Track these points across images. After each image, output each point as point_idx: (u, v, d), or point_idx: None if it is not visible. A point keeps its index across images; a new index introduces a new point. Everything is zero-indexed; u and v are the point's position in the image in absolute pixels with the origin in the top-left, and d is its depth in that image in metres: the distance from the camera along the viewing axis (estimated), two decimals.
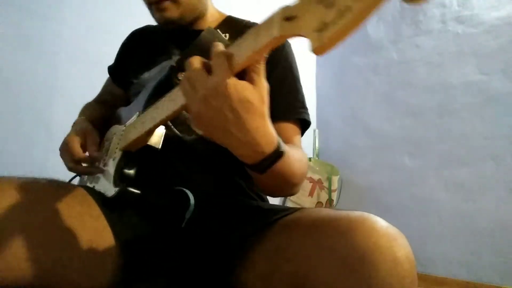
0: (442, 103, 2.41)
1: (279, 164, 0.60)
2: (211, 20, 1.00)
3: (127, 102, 1.06)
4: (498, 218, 2.15)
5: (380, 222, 0.55)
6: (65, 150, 0.87)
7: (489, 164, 2.22)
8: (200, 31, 0.89)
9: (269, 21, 0.48)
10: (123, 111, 0.98)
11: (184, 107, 0.59)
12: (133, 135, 0.75)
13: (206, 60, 0.53)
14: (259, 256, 0.66)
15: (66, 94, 1.68)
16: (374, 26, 2.89)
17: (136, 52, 1.05)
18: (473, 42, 2.36)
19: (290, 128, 0.88)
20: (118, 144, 0.81)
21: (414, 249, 0.55)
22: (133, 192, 0.72)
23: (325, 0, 0.39)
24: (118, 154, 0.78)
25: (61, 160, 0.99)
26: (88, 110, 1.08)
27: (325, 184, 2.76)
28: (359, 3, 0.36)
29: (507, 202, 2.14)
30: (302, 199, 2.74)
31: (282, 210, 0.72)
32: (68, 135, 0.90)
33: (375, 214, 0.58)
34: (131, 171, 0.76)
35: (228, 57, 0.50)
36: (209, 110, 0.52)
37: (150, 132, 0.73)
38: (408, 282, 0.51)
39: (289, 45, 0.96)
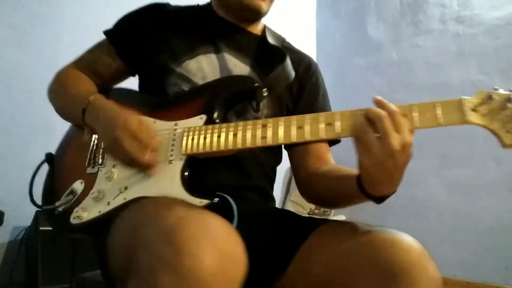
0: None
1: None
2: (258, 26, 1.01)
3: (119, 80, 0.99)
4: (498, 218, 2.15)
5: (416, 242, 0.63)
6: (138, 135, 0.72)
7: (489, 164, 2.22)
8: (248, 31, 0.97)
9: (457, 107, 0.63)
10: (141, 98, 0.90)
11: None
12: (218, 146, 0.72)
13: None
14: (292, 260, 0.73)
15: None
16: (374, 26, 2.89)
17: (165, 30, 0.94)
18: (473, 42, 2.36)
19: (324, 146, 0.93)
20: (173, 145, 0.75)
21: None
22: (217, 204, 0.68)
23: (510, 110, 0.61)
24: (178, 157, 0.74)
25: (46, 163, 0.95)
26: (89, 84, 0.95)
27: None
28: None
29: (507, 202, 2.14)
30: (302, 200, 2.73)
31: (314, 219, 0.80)
32: (128, 115, 0.74)
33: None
34: (187, 176, 0.73)
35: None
36: (390, 162, 0.60)
37: (236, 151, 0.73)
38: None
39: (317, 67, 1.05)
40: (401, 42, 2.72)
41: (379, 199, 0.70)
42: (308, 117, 0.69)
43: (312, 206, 2.74)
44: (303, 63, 1.00)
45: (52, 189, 0.87)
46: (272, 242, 0.79)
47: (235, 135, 0.72)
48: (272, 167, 0.98)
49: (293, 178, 3.36)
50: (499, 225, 2.14)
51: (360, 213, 2.73)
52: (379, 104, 0.62)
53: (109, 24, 1.00)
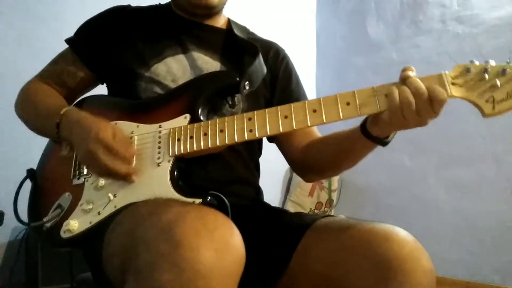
0: None
1: None
2: (221, 19, 1.00)
3: (88, 89, 0.97)
4: (498, 218, 2.15)
5: (409, 235, 0.64)
6: (113, 147, 0.70)
7: (489, 164, 2.22)
8: (212, 27, 0.95)
9: (437, 82, 0.64)
10: (119, 103, 0.88)
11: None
12: (205, 144, 0.72)
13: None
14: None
15: None
16: (374, 26, 2.89)
17: (129, 35, 0.92)
18: (473, 42, 2.36)
19: None
20: (160, 148, 0.75)
21: None
22: (212, 202, 0.68)
23: (488, 81, 0.62)
24: (166, 159, 0.73)
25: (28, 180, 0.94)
26: (58, 99, 0.92)
27: (325, 184, 2.76)
28: None
29: (507, 202, 2.14)
30: (302, 199, 2.74)
31: (310, 216, 0.81)
32: (101, 127, 0.72)
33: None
34: (177, 177, 0.73)
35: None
36: (419, 119, 0.64)
37: (224, 147, 0.74)
38: None
39: (286, 52, 1.05)
40: (401, 42, 2.71)
41: (385, 142, 0.73)
42: (293, 106, 0.70)
43: (312, 206, 2.74)
44: (271, 51, 1.01)
45: (38, 205, 0.85)
46: (270, 241, 0.79)
47: (221, 131, 0.72)
48: (254, 159, 0.98)
49: (293, 178, 3.36)
50: (499, 225, 2.14)
51: (359, 213, 2.74)
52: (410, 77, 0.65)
53: (76, 30, 0.99)
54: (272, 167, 1.05)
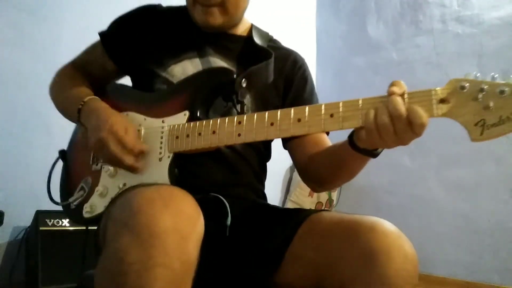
0: None
1: None
2: (242, 27, 1.01)
3: (115, 79, 1.03)
4: (498, 218, 2.15)
5: (393, 226, 0.68)
6: (124, 140, 0.76)
7: (489, 164, 2.22)
8: (231, 35, 0.97)
9: (425, 100, 0.60)
10: (133, 94, 0.93)
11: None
12: (199, 144, 0.74)
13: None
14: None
15: None
16: (374, 26, 2.89)
17: (153, 35, 0.97)
18: (473, 42, 2.36)
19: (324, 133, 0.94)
20: (161, 143, 0.79)
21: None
22: (201, 199, 0.69)
23: (481, 102, 0.56)
24: (166, 155, 0.78)
25: (60, 160, 0.99)
26: (84, 87, 0.97)
27: None
28: None
29: (507, 202, 2.14)
30: (302, 199, 2.74)
31: (305, 210, 0.83)
32: (116, 121, 0.78)
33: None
34: (177, 174, 0.77)
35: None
36: (398, 140, 0.63)
37: (217, 147, 0.75)
38: (414, 273, 0.63)
39: (305, 62, 1.04)
40: (401, 42, 2.72)
41: (375, 154, 0.72)
42: (279, 112, 0.70)
43: (312, 206, 2.74)
44: (290, 59, 1.01)
45: (66, 185, 0.94)
46: (266, 236, 0.81)
47: (213, 132, 0.74)
48: (260, 163, 0.98)
49: (293, 178, 3.38)
50: (499, 225, 2.14)
51: (359, 213, 2.72)
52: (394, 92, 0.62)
53: (109, 24, 1.01)
54: (272, 167, 1.04)
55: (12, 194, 1.58)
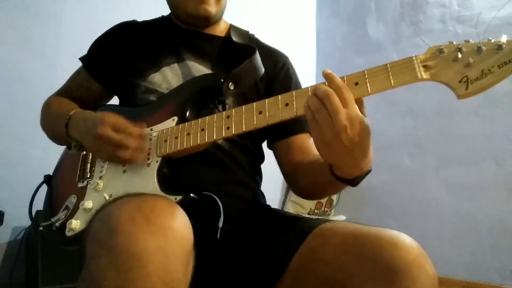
0: (442, 103, 2.40)
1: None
2: (220, 27, 1.02)
3: (104, 100, 1.05)
4: (498, 218, 2.15)
5: (414, 242, 0.66)
6: (119, 124, 0.75)
7: (489, 164, 2.22)
8: (209, 35, 0.96)
9: (407, 66, 0.61)
10: (123, 111, 0.93)
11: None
12: (188, 143, 0.74)
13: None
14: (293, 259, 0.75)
15: None
16: (374, 26, 2.89)
17: (131, 49, 0.98)
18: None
19: (304, 136, 0.94)
20: (150, 149, 0.78)
21: None
22: (194, 198, 0.69)
23: (461, 60, 0.59)
24: (155, 159, 0.77)
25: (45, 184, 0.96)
26: (70, 105, 0.98)
27: None
28: (499, 70, 0.54)
29: (507, 202, 2.14)
30: (302, 200, 2.74)
31: (313, 220, 0.81)
32: (105, 114, 0.77)
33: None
34: (167, 175, 0.76)
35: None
36: (343, 139, 0.59)
37: (206, 145, 0.75)
38: None
39: (288, 59, 1.03)
40: (401, 42, 2.72)
41: (353, 182, 0.71)
42: (267, 101, 0.70)
43: (312, 206, 2.74)
44: (271, 58, 1.00)
45: (51, 207, 0.91)
46: (269, 242, 0.80)
47: (202, 130, 0.74)
48: (250, 162, 0.97)
49: None
50: (499, 225, 2.14)
51: (360, 213, 2.74)
52: (327, 78, 0.62)
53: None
54: (272, 167, 1.04)
55: (12, 194, 1.58)
